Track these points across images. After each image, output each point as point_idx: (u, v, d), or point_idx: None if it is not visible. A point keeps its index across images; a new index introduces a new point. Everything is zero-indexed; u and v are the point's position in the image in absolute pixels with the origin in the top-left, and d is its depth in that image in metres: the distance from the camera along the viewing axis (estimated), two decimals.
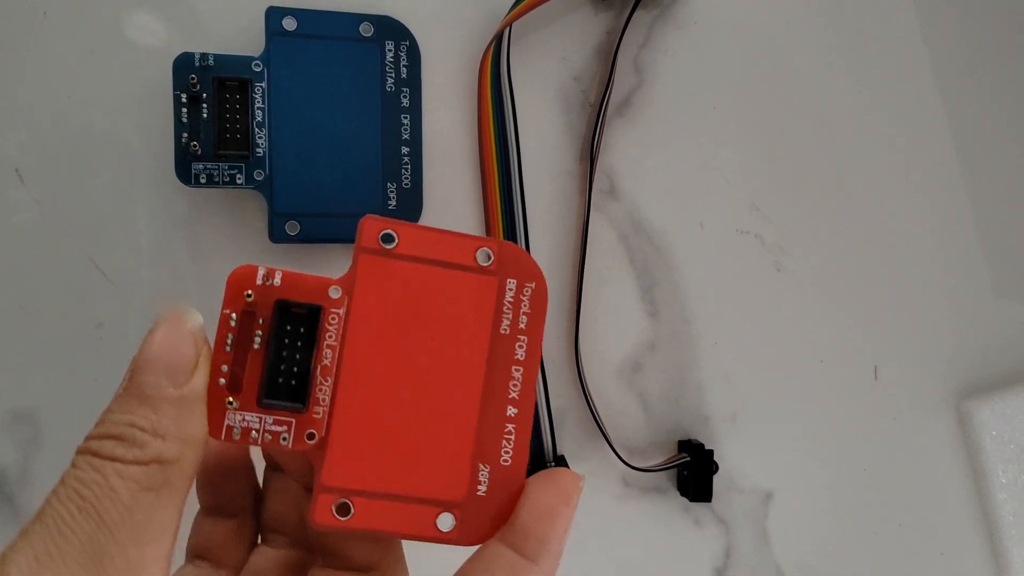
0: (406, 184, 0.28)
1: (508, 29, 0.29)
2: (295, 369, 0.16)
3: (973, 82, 0.34)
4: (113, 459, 0.14)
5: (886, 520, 0.33)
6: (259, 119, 0.27)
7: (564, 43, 0.31)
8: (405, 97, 0.28)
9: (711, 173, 0.32)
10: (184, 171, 0.26)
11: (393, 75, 0.28)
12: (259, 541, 0.20)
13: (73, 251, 0.28)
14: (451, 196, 0.30)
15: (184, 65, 0.26)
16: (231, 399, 0.15)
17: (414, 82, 0.28)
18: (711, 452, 0.30)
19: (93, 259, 0.28)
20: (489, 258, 0.17)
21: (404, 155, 0.28)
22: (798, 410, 0.33)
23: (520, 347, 0.17)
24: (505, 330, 0.17)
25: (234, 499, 0.20)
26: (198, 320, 0.15)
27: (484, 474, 0.17)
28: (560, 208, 0.31)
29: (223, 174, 0.26)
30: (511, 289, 0.17)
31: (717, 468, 0.30)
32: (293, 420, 0.16)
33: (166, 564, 0.14)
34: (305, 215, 0.27)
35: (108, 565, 0.13)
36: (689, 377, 0.32)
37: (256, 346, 0.16)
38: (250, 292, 0.16)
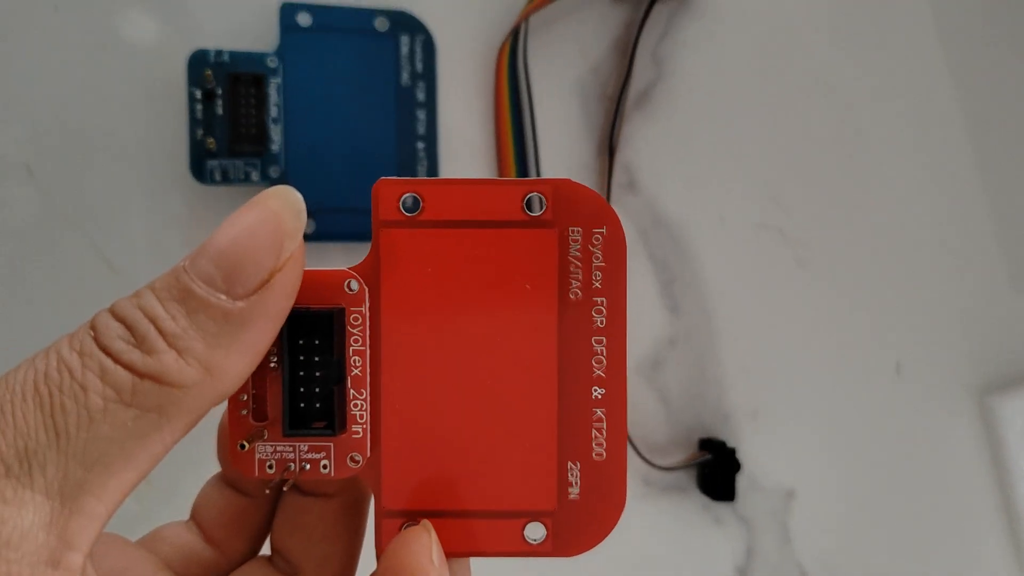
0: None
1: (525, 22, 0.28)
2: (318, 389, 0.13)
3: (994, 75, 0.33)
4: (105, 350, 0.11)
5: (909, 518, 0.33)
6: (274, 115, 0.26)
7: (582, 36, 0.30)
8: (420, 91, 0.28)
9: (731, 166, 0.31)
10: (199, 168, 0.26)
11: (408, 69, 0.28)
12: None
13: (85, 250, 0.27)
14: None
15: (199, 61, 0.25)
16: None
17: (429, 76, 0.28)
18: (734, 450, 0.30)
19: (106, 258, 0.27)
20: (542, 205, 0.14)
21: (420, 150, 0.28)
22: (820, 407, 0.32)
23: (598, 312, 0.14)
24: (576, 294, 0.14)
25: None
26: (299, 219, 0.12)
27: (575, 473, 0.14)
28: None
29: (238, 171, 0.26)
30: (576, 240, 0.14)
31: (740, 467, 0.30)
32: (331, 444, 0.13)
33: (114, 498, 0.11)
34: (320, 211, 0.27)
35: (36, 472, 0.11)
36: (709, 373, 0.31)
37: (272, 365, 0.13)
38: None
